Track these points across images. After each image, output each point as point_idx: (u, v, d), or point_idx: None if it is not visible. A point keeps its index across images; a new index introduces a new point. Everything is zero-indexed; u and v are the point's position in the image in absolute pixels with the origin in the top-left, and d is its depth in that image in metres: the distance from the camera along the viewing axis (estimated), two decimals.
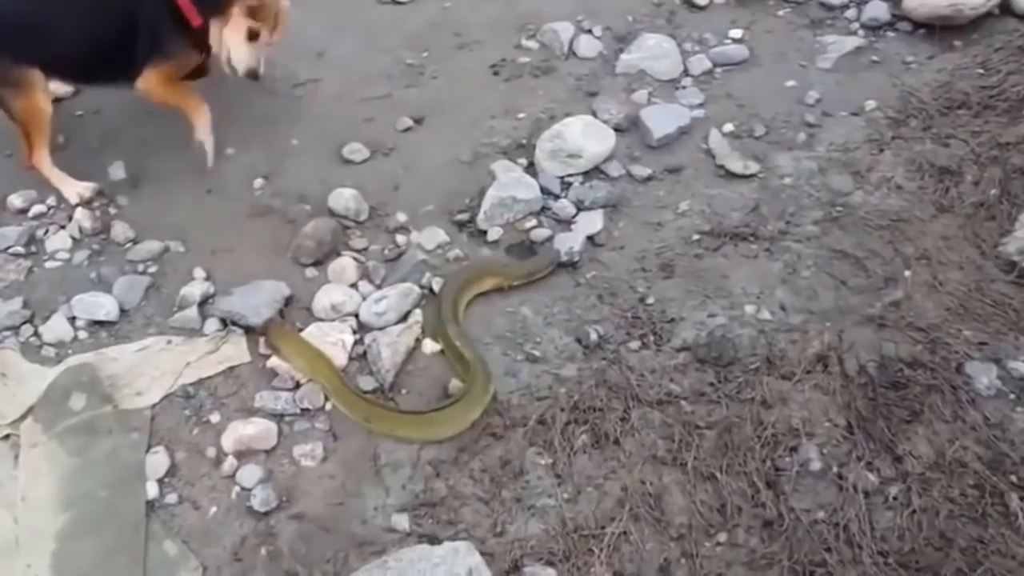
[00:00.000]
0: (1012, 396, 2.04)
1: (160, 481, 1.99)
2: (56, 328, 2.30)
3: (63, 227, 2.57)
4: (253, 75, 2.61)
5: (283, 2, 2.64)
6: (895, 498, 1.88)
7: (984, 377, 2.07)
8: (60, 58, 2.49)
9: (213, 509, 1.95)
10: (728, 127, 2.78)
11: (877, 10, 3.13)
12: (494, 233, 2.50)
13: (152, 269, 2.45)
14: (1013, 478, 1.89)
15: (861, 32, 3.10)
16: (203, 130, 2.67)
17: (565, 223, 2.52)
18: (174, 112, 2.88)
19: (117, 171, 2.71)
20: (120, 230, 2.54)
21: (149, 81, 2.55)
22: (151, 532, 1.91)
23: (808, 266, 2.36)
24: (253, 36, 2.55)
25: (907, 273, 2.33)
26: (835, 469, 1.94)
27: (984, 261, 2.34)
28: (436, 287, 2.35)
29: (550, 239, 2.47)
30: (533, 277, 2.37)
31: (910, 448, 1.96)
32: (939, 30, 3.04)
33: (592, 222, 2.49)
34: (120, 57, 2.49)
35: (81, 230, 2.55)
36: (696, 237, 2.46)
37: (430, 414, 2.05)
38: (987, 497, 1.87)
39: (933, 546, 1.81)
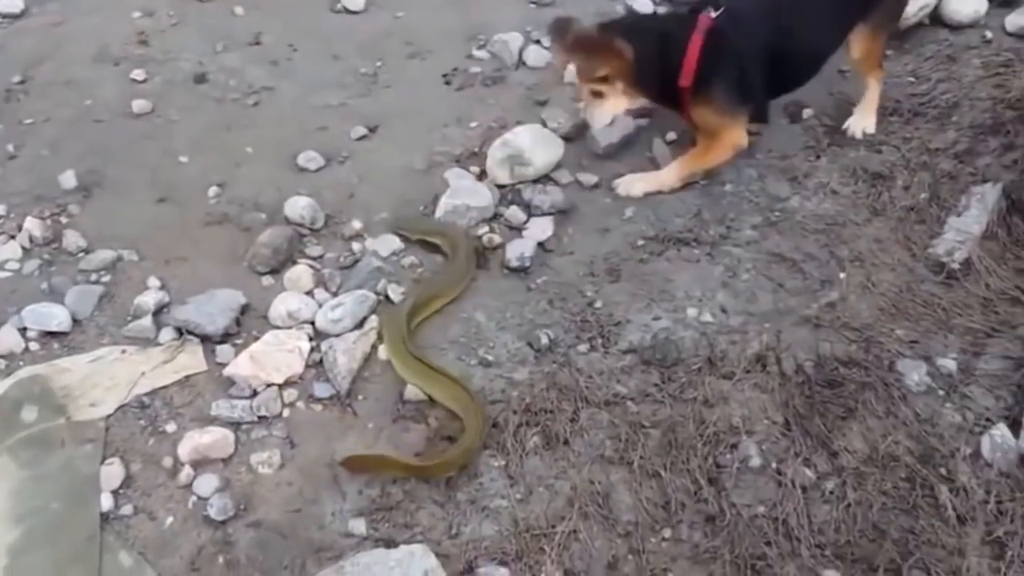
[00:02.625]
0: (941, 392, 2.11)
1: (115, 492, 1.98)
2: (6, 339, 2.26)
3: (13, 237, 2.54)
4: None
5: None
6: (831, 492, 1.94)
7: (915, 374, 2.14)
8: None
9: (169, 519, 1.95)
10: (671, 135, 2.86)
11: None
12: None
13: (105, 278, 2.44)
14: (942, 471, 1.95)
15: None
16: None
17: (516, 230, 2.57)
18: (125, 120, 2.86)
19: (68, 180, 2.68)
20: (72, 239, 2.52)
21: None
22: (106, 544, 1.90)
23: (747, 269, 2.44)
24: None
25: (842, 275, 2.41)
26: (774, 465, 1.99)
27: (915, 263, 2.43)
28: (392, 294, 2.38)
29: (501, 246, 2.52)
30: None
31: (845, 444, 2.01)
32: None
33: (543, 228, 2.54)
34: None
35: (31, 239, 2.52)
36: (641, 242, 2.52)
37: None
38: (918, 489, 1.92)
39: (867, 538, 1.86)
